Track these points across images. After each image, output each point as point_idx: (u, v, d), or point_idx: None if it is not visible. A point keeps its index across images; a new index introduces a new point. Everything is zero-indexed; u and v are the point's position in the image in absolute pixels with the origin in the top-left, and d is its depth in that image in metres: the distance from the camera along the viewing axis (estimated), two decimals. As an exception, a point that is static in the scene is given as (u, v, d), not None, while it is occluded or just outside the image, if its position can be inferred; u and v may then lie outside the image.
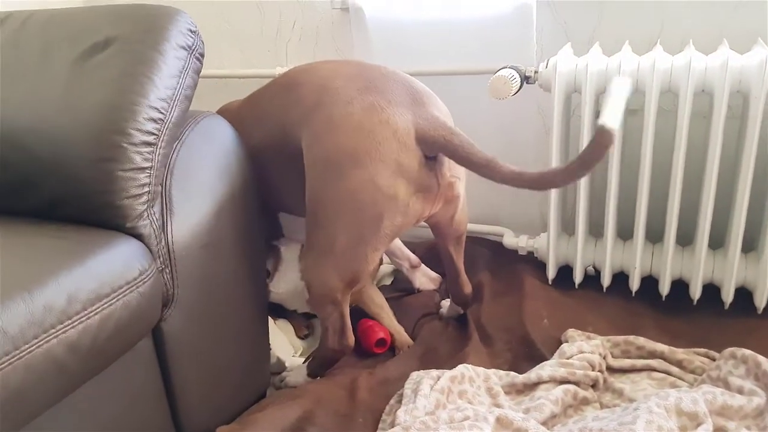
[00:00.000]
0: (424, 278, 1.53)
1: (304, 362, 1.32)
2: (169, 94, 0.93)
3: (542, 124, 1.56)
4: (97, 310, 0.79)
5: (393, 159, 1.00)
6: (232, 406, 1.11)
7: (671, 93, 1.27)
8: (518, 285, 1.42)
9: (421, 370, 1.14)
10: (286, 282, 1.34)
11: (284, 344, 1.39)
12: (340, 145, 1.01)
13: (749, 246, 1.36)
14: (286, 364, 1.34)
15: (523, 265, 1.50)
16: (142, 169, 0.89)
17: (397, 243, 1.52)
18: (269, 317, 1.40)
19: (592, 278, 1.45)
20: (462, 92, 1.58)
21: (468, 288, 1.34)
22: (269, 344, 1.25)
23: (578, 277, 1.43)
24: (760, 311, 1.29)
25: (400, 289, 1.54)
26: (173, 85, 0.95)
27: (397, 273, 1.62)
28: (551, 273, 1.45)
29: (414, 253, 1.54)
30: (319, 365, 1.24)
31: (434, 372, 1.11)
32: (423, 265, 1.53)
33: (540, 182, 0.96)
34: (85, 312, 0.77)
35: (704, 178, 1.29)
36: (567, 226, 1.51)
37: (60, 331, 0.74)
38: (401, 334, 1.36)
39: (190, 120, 1.04)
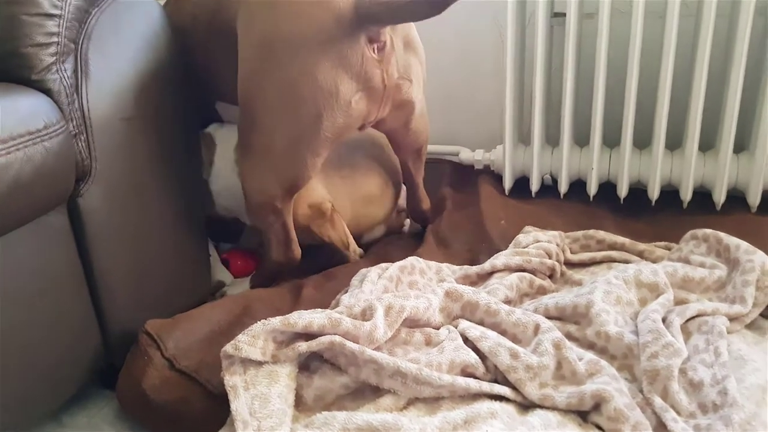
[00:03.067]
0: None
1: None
2: (80, -57, 0.85)
3: (498, 35, 1.50)
4: (-8, 154, 0.70)
5: (335, 49, 0.91)
6: (164, 308, 1.02)
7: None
8: (475, 195, 1.37)
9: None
10: (224, 177, 1.23)
11: (225, 269, 1.30)
12: (276, 29, 0.92)
13: (707, 145, 1.32)
14: (227, 282, 1.25)
15: (481, 178, 1.45)
16: (50, 15, 0.80)
17: None
18: (210, 242, 1.31)
19: (550, 188, 1.40)
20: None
21: (426, 204, 1.28)
22: (208, 250, 1.16)
23: (535, 185, 1.38)
24: (719, 207, 1.27)
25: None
26: (86, -66, 0.86)
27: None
28: (508, 183, 1.40)
29: None
30: (264, 278, 1.15)
31: (383, 264, 1.05)
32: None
33: None
34: (-23, 153, 0.68)
35: (660, 79, 1.25)
36: (524, 138, 1.46)
37: (-57, 168, 0.65)
38: (351, 243, 1.28)
39: (111, -8, 0.96)
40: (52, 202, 0.81)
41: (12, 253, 0.77)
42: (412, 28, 1.03)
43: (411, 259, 1.05)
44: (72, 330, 0.87)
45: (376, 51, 0.94)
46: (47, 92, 0.80)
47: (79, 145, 0.84)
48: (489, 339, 0.82)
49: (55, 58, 0.81)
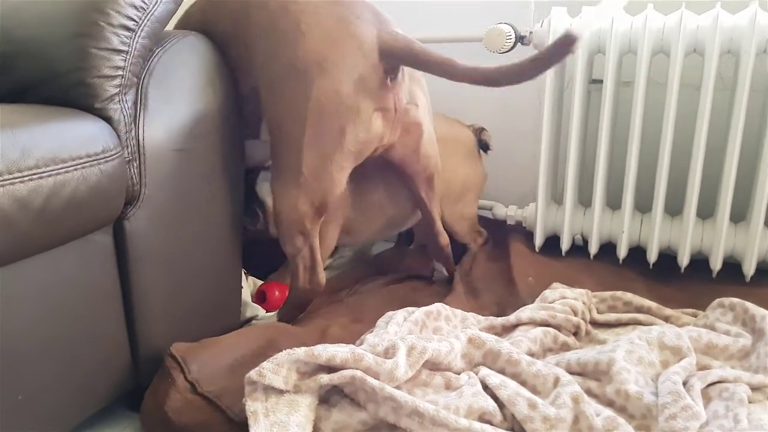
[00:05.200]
0: None
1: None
2: (153, -13, 0.92)
3: (536, 95, 1.55)
4: (52, 172, 0.75)
5: (357, 73, 1.01)
6: (195, 335, 1.05)
7: (663, 54, 1.26)
8: (506, 250, 1.39)
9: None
10: None
11: (257, 306, 1.33)
12: (307, 53, 1.02)
13: (738, 216, 1.33)
14: (258, 315, 1.28)
15: (512, 235, 1.47)
16: (118, 51, 0.87)
17: None
18: (243, 276, 1.35)
19: (580, 248, 1.41)
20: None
21: (444, 239, 1.30)
22: (241, 281, 1.19)
23: (565, 245, 1.39)
24: (748, 279, 1.26)
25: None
26: (158, -20, 0.93)
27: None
28: (538, 241, 1.41)
29: None
30: (290, 308, 1.18)
31: (410, 308, 1.06)
32: None
33: (494, 77, 0.96)
34: (38, 170, 0.73)
35: (693, 148, 1.27)
36: (557, 197, 1.48)
37: (7, 182, 0.70)
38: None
39: (175, 34, 1.03)
40: (100, 221, 0.85)
41: (58, 266, 0.82)
42: None
43: (438, 305, 1.06)
44: (103, 348, 0.91)
45: (389, 80, 1.05)
46: (108, 120, 0.86)
47: (132, 170, 0.90)
48: (508, 388, 0.83)
49: (118, 89, 0.87)
